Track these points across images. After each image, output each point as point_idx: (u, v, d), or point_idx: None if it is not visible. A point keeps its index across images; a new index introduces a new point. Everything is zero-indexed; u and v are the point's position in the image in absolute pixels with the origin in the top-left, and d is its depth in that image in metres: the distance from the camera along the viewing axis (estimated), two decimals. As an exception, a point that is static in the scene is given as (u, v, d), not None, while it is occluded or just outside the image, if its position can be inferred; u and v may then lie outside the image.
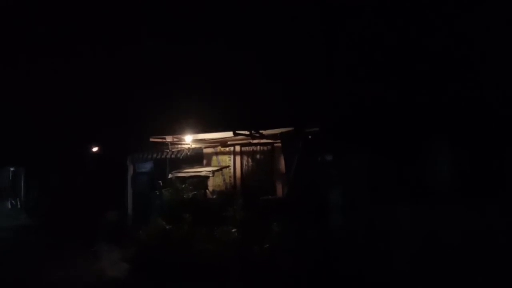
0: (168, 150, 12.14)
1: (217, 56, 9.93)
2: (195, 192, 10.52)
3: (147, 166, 14.30)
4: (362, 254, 7.19)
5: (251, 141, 10.58)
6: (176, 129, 10.79)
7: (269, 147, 10.80)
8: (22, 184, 21.10)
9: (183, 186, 10.51)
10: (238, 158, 11.37)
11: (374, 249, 7.10)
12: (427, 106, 7.35)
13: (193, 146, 11.83)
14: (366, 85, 8.20)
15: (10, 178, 23.05)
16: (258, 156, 11.10)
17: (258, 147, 11.02)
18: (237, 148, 11.38)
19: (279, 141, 10.08)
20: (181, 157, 12.05)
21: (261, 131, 9.60)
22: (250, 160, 11.24)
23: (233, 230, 8.51)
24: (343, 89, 8.60)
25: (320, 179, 8.85)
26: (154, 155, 12.56)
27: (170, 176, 11.07)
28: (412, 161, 7.41)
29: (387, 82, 7.94)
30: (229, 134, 9.90)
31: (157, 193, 10.95)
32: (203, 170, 10.84)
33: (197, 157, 12.48)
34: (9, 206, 21.01)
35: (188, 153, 12.17)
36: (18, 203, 20.83)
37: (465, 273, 5.95)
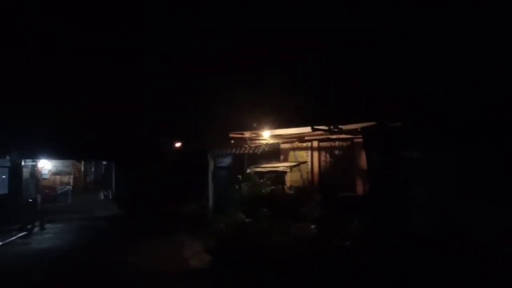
0: (246, 146, 12.37)
1: (296, 51, 9.84)
2: (273, 187, 10.60)
3: (226, 161, 14.72)
4: (445, 256, 6.70)
5: (329, 136, 10.39)
6: (254, 125, 10.92)
7: (348, 142, 10.52)
8: (113, 177, 22.96)
9: (261, 180, 10.64)
10: (315, 154, 11.22)
11: (458, 250, 6.58)
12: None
13: (271, 141, 11.92)
14: (453, 78, 7.63)
15: (103, 172, 25.18)
16: (336, 151, 10.87)
17: (337, 142, 10.78)
18: (315, 143, 11.23)
19: (359, 136, 9.77)
20: (258, 152, 12.20)
21: (340, 126, 9.36)
22: (328, 155, 11.05)
23: (312, 226, 8.42)
24: (427, 82, 8.08)
25: (403, 176, 8.39)
26: (233, 150, 12.87)
27: (248, 170, 11.26)
28: (502, 159, 6.74)
29: (476, 77, 7.32)
30: (307, 129, 9.80)
31: (236, 187, 11.18)
32: (281, 165, 10.85)
33: (274, 153, 12.57)
34: (102, 197, 22.93)
35: (266, 149, 12.29)
36: (110, 195, 22.64)
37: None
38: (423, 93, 8.16)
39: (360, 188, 10.12)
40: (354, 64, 9.52)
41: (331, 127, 9.34)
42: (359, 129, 9.31)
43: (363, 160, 9.80)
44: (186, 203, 13.67)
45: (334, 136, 10.41)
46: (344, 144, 10.66)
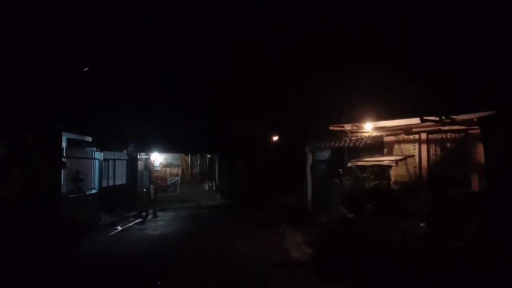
0: (346, 139, 12.02)
1: (400, 33, 9.18)
2: (377, 181, 10.17)
3: (325, 154, 14.55)
4: None
5: (440, 127, 9.58)
6: (356, 116, 10.52)
7: (462, 134, 9.60)
8: (217, 169, 24.18)
9: (364, 175, 10.27)
10: (424, 147, 10.46)
11: None
12: None
13: (373, 134, 11.42)
14: None
15: (207, 164, 26.66)
16: (448, 144, 9.99)
17: (449, 134, 9.91)
18: (423, 135, 10.46)
19: (475, 127, 8.87)
20: (360, 146, 11.78)
21: (453, 117, 8.58)
22: (438, 149, 10.21)
23: (421, 224, 7.89)
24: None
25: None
26: (333, 144, 12.62)
27: (349, 164, 10.93)
28: None
29: None
30: (415, 120, 9.17)
31: (337, 181, 10.95)
32: (385, 159, 10.32)
33: (377, 146, 12.01)
34: (206, 188, 24.30)
35: (368, 141, 11.82)
36: (214, 186, 23.90)
37: None
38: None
39: (475, 185, 9.19)
40: (469, 44, 8.55)
41: (443, 117, 8.59)
42: (475, 120, 8.45)
43: (479, 153, 8.89)
44: (284, 195, 13.82)
45: (445, 128, 9.56)
46: (457, 136, 9.75)
